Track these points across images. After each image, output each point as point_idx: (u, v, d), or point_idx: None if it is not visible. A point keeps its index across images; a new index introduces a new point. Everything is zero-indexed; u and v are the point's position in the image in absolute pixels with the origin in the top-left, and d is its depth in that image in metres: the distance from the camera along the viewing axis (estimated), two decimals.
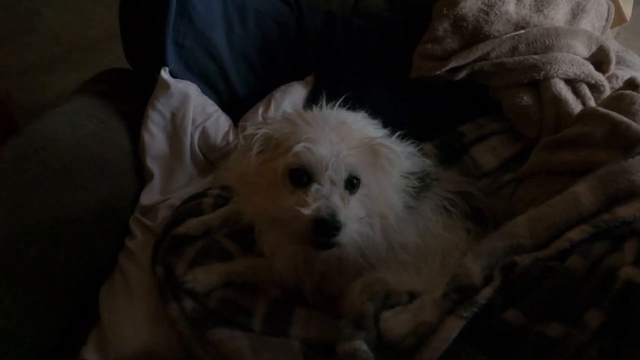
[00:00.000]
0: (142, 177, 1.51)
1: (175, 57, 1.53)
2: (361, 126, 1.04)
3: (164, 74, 1.50)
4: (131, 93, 1.64)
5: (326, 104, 1.05)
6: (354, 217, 0.92)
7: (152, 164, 1.48)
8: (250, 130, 0.99)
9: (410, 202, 1.05)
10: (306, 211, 0.87)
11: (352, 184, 0.96)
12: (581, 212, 0.85)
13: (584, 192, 0.87)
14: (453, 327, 0.80)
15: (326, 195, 0.90)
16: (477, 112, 1.46)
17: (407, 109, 1.52)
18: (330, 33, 1.69)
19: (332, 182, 0.92)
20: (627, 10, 1.66)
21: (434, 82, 1.44)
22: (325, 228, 0.87)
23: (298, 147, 0.91)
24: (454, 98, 1.48)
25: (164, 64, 1.52)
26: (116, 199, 1.40)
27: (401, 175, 1.05)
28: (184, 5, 1.48)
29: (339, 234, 0.89)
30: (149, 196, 1.45)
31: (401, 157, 1.03)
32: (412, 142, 1.13)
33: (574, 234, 0.84)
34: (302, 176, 0.93)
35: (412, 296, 0.96)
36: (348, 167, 0.94)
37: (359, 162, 0.96)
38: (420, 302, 0.90)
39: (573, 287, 0.78)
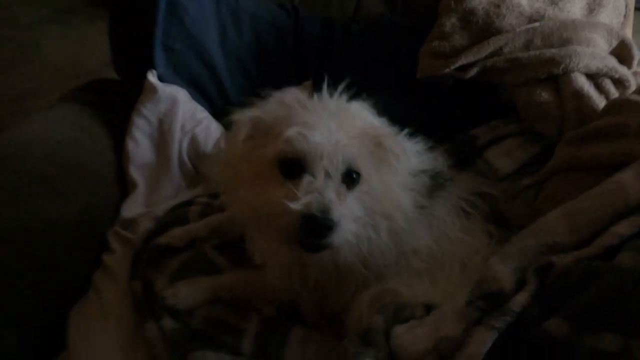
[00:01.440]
0: (126, 188, 1.38)
1: (164, 61, 1.43)
2: (365, 116, 0.92)
3: (151, 77, 1.40)
4: (119, 102, 1.53)
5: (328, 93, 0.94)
6: (349, 215, 0.80)
7: (136, 173, 1.35)
8: (239, 115, 0.88)
9: (421, 202, 0.92)
10: (295, 206, 0.75)
11: (350, 178, 0.84)
12: (629, 202, 0.72)
13: (630, 181, 0.74)
14: (483, 340, 0.65)
15: (319, 189, 0.78)
16: (488, 115, 1.35)
17: (411, 113, 1.40)
18: (329, 38, 1.59)
19: (327, 174, 0.80)
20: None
21: (441, 82, 1.34)
22: (316, 227, 0.75)
23: (290, 132, 0.79)
24: (463, 100, 1.37)
25: (152, 68, 1.42)
26: (95, 210, 1.26)
27: (409, 174, 0.93)
28: (174, 6, 1.39)
29: (331, 234, 0.76)
30: (131, 208, 1.31)
31: (409, 153, 0.91)
32: (422, 140, 1.01)
33: (623, 228, 0.70)
34: (293, 166, 0.81)
35: (428, 309, 0.82)
36: (347, 158, 0.82)
37: (360, 153, 0.84)
38: (439, 314, 0.76)
39: (627, 289, 0.64)
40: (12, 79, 2.98)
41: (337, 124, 0.84)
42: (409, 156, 0.93)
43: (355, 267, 0.89)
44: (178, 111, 1.40)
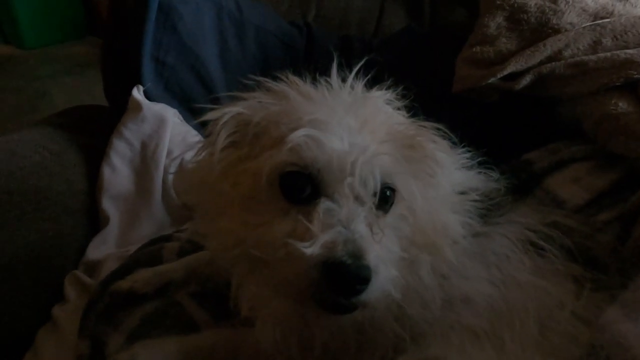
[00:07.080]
0: (97, 223, 1.14)
1: (153, 75, 1.22)
2: (388, 108, 0.69)
3: (136, 93, 1.19)
4: (102, 127, 1.32)
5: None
6: (389, 257, 0.55)
7: (110, 206, 1.11)
8: (215, 113, 0.64)
9: (474, 227, 0.65)
10: (311, 250, 0.50)
11: (384, 199, 0.59)
12: None
13: None
14: None
15: (344, 221, 0.53)
16: (543, 137, 1.08)
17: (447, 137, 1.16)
18: (347, 55, 1.38)
19: (356, 198, 0.56)
20: None
21: (483, 97, 1.09)
22: (346, 280, 0.50)
23: (297, 135, 0.56)
24: (511, 120, 1.12)
25: (139, 83, 1.21)
26: (50, 247, 1.01)
27: (454, 191, 0.68)
28: (168, 13, 1.20)
29: (366, 288, 0.51)
30: (99, 248, 1.06)
31: (451, 162, 0.67)
32: (468, 151, 0.76)
33: None
34: (303, 185, 0.57)
35: None
36: (382, 172, 0.58)
37: (396, 162, 0.60)
38: None
39: None
40: (12, 128, 2.94)
41: (358, 121, 0.60)
42: (451, 167, 0.68)
43: (386, 325, 0.61)
44: (165, 133, 1.18)
